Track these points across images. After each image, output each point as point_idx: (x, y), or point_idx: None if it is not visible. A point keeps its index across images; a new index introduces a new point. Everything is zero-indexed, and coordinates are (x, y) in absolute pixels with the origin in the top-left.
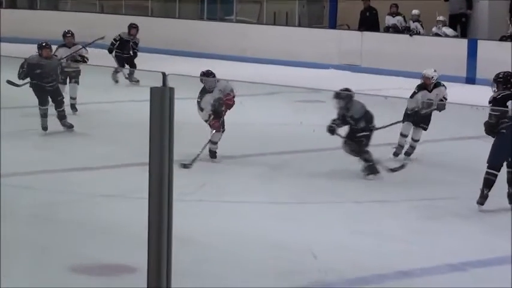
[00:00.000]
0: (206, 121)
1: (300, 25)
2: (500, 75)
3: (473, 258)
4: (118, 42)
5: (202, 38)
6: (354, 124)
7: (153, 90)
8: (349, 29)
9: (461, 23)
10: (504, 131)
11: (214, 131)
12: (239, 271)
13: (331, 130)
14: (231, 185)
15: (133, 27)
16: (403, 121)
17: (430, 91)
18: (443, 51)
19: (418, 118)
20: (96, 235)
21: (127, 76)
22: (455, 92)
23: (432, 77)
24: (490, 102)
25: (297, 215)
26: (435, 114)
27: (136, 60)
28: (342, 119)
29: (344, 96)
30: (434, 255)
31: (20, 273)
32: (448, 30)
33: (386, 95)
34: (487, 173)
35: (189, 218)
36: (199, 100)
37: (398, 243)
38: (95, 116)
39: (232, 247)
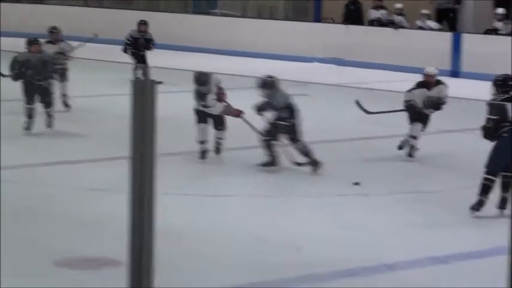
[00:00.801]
0: (221, 112)
1: (284, 19)
2: (500, 78)
3: (456, 251)
4: (130, 41)
5: (188, 32)
6: (276, 113)
7: (134, 83)
8: (333, 22)
9: (448, 18)
10: (506, 135)
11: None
12: (225, 265)
13: (258, 108)
14: (216, 179)
15: (142, 23)
16: (410, 122)
17: (430, 89)
18: (428, 45)
19: (417, 117)
20: (80, 228)
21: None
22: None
23: (435, 75)
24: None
25: (282, 208)
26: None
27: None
28: (269, 105)
29: (266, 85)
30: (418, 248)
31: (3, 267)
32: (432, 24)
33: (372, 88)
34: (485, 178)
35: (174, 212)
36: (204, 103)
37: (383, 236)
38: (84, 110)
39: (218, 241)
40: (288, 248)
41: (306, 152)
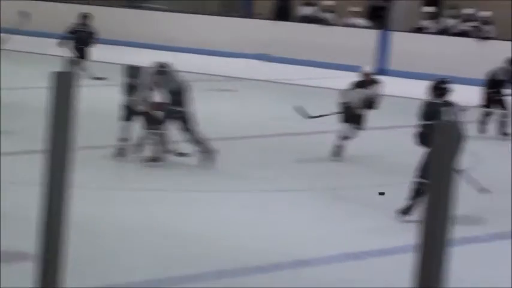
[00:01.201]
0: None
1: (215, 14)
2: (433, 83)
3: (374, 247)
4: (73, 33)
5: (119, 25)
6: (169, 97)
7: (53, 75)
8: (264, 18)
9: (379, 16)
10: None
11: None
12: (137, 258)
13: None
14: (131, 173)
15: (84, 16)
16: (344, 121)
17: (367, 88)
18: (356, 42)
19: (353, 117)
20: None
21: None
22: None
23: (371, 73)
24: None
25: (199, 203)
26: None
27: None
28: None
29: (160, 72)
30: (335, 243)
31: None
32: (361, 21)
33: (300, 84)
34: (417, 183)
35: (89, 206)
36: (133, 98)
37: (300, 231)
38: (10, 105)
39: (131, 235)
40: (197, 243)
41: (198, 141)
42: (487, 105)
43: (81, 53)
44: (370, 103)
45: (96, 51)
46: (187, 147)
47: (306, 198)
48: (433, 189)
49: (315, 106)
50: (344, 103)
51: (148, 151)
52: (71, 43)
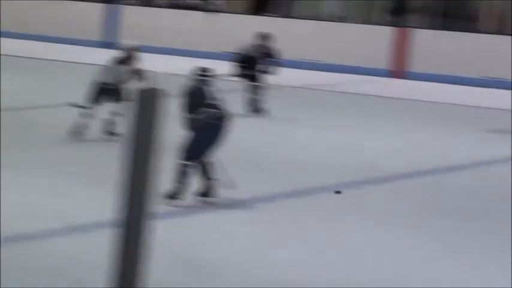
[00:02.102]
0: None
1: None
2: (195, 71)
3: (95, 220)
4: None
5: None
6: None
7: None
8: None
9: None
10: (214, 121)
11: None
12: None
13: None
14: None
15: None
16: (100, 100)
17: (130, 63)
18: (84, 16)
19: (111, 92)
20: None
21: None
22: (98, 56)
23: (133, 48)
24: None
25: None
26: None
27: None
28: None
29: None
30: (57, 218)
31: None
32: None
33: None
34: (181, 165)
35: None
36: None
37: (21, 206)
38: None
39: None
40: None
41: None
42: (247, 81)
43: None
44: (133, 78)
45: None
46: None
47: (30, 175)
48: (133, 158)
49: (40, 80)
50: (105, 80)
51: None
52: None
